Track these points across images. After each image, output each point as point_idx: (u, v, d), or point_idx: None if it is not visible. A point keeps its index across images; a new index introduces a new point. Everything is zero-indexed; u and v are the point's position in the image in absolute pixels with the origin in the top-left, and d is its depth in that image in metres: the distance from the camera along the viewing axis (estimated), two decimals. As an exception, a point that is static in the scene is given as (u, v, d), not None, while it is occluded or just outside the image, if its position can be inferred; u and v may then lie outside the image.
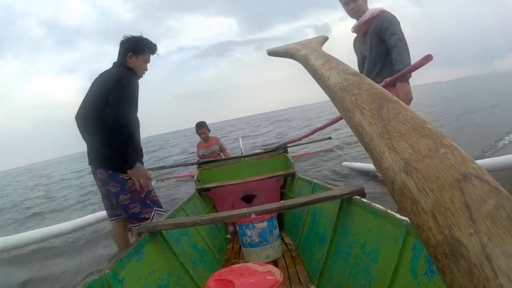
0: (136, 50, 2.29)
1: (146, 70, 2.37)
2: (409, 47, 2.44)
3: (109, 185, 2.21)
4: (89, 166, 2.34)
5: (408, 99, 2.26)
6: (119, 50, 2.32)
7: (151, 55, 2.38)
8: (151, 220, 2.25)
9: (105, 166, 2.20)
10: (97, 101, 2.16)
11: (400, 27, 2.43)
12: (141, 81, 2.33)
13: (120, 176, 2.19)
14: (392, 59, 2.36)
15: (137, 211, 2.24)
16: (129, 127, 2.12)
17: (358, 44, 2.74)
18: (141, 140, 2.41)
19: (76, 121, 2.34)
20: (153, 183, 5.89)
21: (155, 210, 2.31)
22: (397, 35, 2.36)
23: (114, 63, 2.34)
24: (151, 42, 2.36)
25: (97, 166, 2.23)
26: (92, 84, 2.33)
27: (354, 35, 2.77)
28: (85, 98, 2.32)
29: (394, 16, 2.47)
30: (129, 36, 2.32)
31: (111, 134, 2.07)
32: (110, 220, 2.45)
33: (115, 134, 2.06)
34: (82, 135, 2.34)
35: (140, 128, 2.33)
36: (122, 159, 2.13)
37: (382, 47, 2.47)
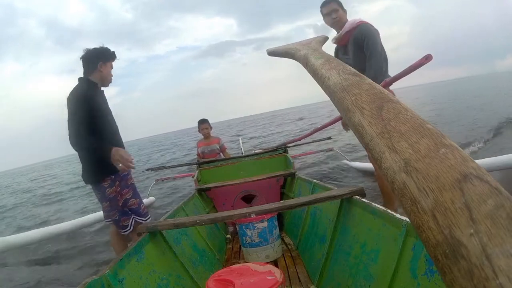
0: (106, 58, 2.34)
1: (112, 76, 2.42)
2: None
3: (96, 193, 2.36)
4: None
5: None
6: (83, 64, 2.33)
7: (112, 61, 2.40)
8: (130, 228, 2.33)
9: (87, 181, 2.36)
10: (69, 123, 2.22)
11: (378, 38, 2.52)
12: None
13: (101, 184, 2.28)
14: (370, 74, 2.44)
15: (117, 218, 2.33)
16: (79, 144, 2.20)
17: (339, 54, 2.82)
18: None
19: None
20: (152, 183, 5.92)
21: (133, 217, 2.36)
22: (374, 46, 2.47)
23: (79, 79, 2.35)
24: (110, 50, 2.39)
25: (86, 182, 2.39)
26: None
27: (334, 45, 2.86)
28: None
29: (373, 27, 2.55)
30: (90, 49, 2.33)
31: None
32: (106, 221, 2.49)
33: (80, 152, 2.27)
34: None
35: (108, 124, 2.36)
36: (101, 162, 2.21)
37: (362, 56, 2.55)
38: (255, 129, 25.25)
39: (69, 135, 2.18)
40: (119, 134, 2.49)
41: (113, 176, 2.29)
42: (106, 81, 2.38)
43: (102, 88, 2.43)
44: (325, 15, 2.67)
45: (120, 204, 2.32)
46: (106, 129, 2.32)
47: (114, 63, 2.41)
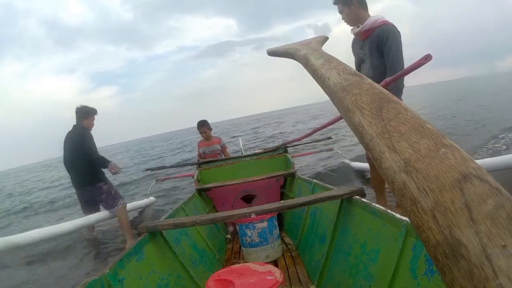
0: (85, 115, 3.85)
1: (93, 125, 3.95)
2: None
3: (100, 188, 3.80)
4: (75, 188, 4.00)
5: None
6: (76, 117, 3.84)
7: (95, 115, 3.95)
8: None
9: (92, 183, 3.79)
10: (77, 152, 3.74)
11: (400, 39, 2.52)
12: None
13: (99, 184, 3.82)
14: (387, 70, 2.47)
15: (113, 193, 3.90)
16: (97, 160, 3.81)
17: (356, 46, 2.81)
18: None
19: (65, 165, 3.90)
20: (152, 183, 5.98)
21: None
22: (395, 47, 2.47)
23: (74, 126, 3.85)
24: (92, 109, 3.92)
25: (85, 185, 3.83)
26: (67, 140, 3.86)
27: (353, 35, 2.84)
28: (66, 148, 3.86)
29: (395, 28, 2.54)
30: (79, 107, 3.85)
31: (92, 165, 3.77)
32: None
33: (95, 164, 3.79)
34: (70, 173, 3.90)
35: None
36: (101, 172, 3.90)
37: (378, 55, 2.55)
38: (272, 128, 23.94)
39: (92, 156, 3.74)
40: None
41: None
42: (89, 128, 3.90)
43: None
44: (339, 13, 2.72)
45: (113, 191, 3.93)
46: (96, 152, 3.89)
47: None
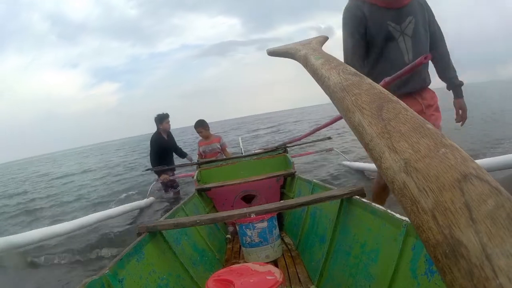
0: (160, 121, 5.26)
1: (169, 127, 5.36)
2: None
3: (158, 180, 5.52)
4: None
5: (464, 117, 2.14)
6: (156, 122, 5.29)
7: (168, 119, 5.29)
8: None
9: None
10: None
11: None
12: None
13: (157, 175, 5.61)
14: (444, 62, 2.09)
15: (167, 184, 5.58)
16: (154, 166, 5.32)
17: (384, 18, 1.91)
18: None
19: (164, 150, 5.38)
20: (152, 183, 6.03)
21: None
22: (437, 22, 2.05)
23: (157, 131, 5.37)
24: (163, 115, 5.26)
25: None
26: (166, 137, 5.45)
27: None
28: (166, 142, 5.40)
29: None
30: (156, 116, 5.25)
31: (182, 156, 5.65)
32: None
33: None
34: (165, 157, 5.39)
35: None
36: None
37: (428, 35, 2.01)
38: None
39: (151, 160, 5.36)
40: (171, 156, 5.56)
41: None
42: (165, 131, 5.34)
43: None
44: None
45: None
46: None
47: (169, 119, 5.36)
